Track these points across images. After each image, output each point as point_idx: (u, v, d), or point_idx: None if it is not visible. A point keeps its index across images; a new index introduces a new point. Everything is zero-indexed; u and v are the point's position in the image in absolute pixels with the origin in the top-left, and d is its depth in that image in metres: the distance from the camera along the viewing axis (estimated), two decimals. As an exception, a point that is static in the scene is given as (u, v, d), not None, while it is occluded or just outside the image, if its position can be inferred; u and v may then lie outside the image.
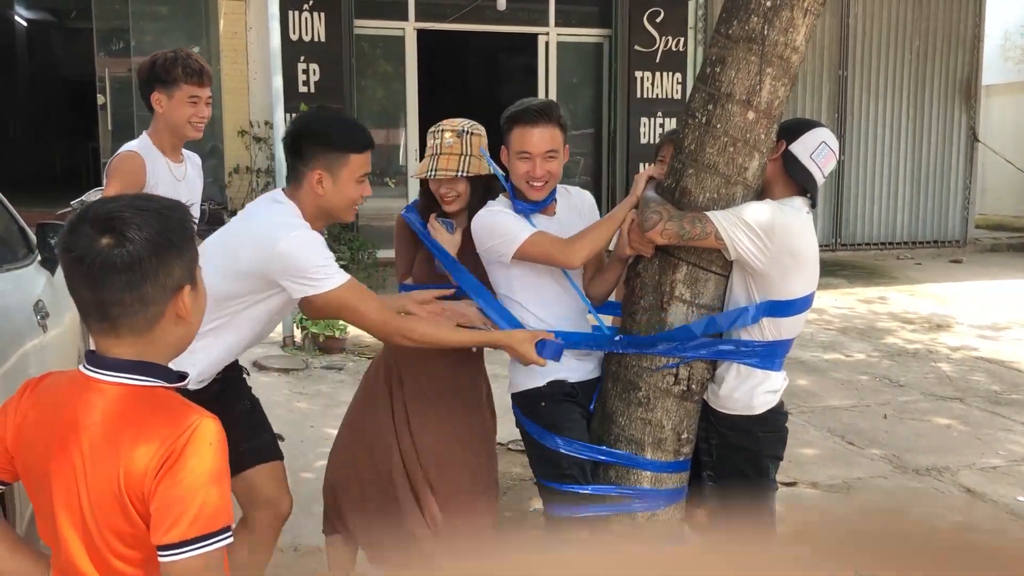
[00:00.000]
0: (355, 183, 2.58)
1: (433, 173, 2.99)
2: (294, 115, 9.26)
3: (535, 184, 2.86)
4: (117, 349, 1.54)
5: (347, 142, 2.55)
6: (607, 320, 3.09)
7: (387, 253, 9.29)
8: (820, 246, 2.86)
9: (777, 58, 2.67)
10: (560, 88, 11.23)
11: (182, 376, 1.59)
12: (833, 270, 10.72)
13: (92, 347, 1.61)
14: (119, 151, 3.38)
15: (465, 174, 2.96)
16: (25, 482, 1.61)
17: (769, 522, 2.89)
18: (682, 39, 11.14)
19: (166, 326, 1.56)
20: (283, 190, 2.62)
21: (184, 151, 3.57)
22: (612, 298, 3.14)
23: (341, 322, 6.85)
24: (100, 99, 10.08)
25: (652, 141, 10.98)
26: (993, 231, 13.96)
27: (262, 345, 6.92)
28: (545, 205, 2.95)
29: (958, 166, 12.76)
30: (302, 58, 9.77)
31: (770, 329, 2.73)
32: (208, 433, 1.49)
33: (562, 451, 2.78)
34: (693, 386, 2.79)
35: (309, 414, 5.52)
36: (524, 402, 2.94)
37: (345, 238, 9.40)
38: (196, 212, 3.62)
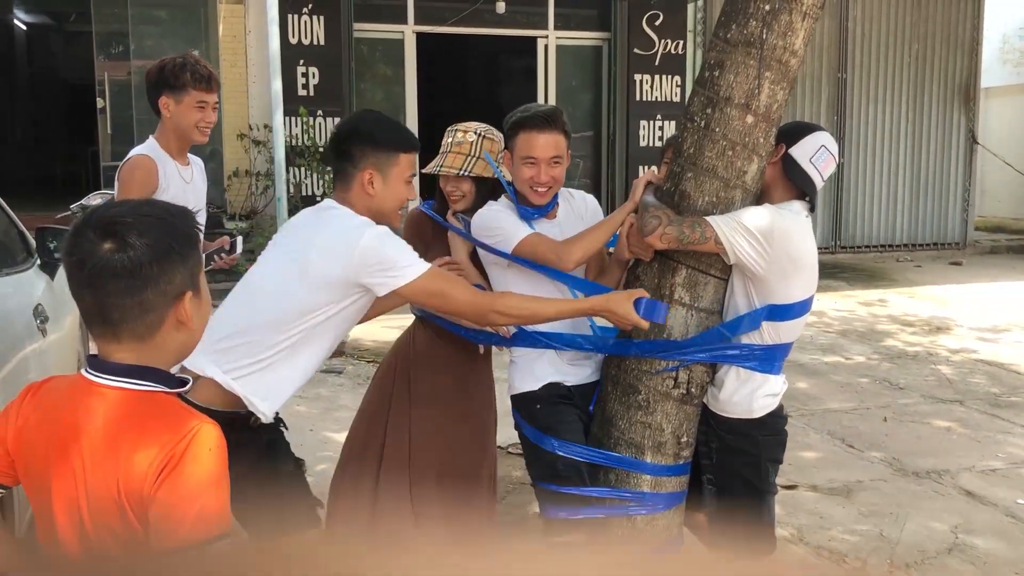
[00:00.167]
0: (404, 183, 2.55)
1: (438, 168, 3.06)
2: (293, 119, 9.30)
3: (539, 189, 2.88)
4: (118, 354, 1.54)
5: (396, 141, 2.53)
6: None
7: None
8: (820, 249, 2.86)
9: (776, 62, 2.67)
10: (559, 91, 11.24)
11: (183, 381, 1.59)
12: (833, 272, 10.72)
13: (94, 351, 1.61)
14: (130, 156, 3.41)
15: (467, 173, 3.00)
16: (25, 485, 1.61)
17: (768, 527, 2.89)
18: (681, 42, 11.16)
19: (167, 332, 1.56)
20: (332, 198, 2.58)
21: (188, 154, 3.60)
22: None
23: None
24: (99, 103, 10.09)
25: (651, 144, 10.99)
26: (992, 233, 13.97)
27: (262, 349, 6.92)
28: (548, 210, 2.97)
29: (957, 169, 12.78)
30: (301, 61, 9.78)
31: (769, 333, 2.73)
32: (208, 439, 1.49)
33: (558, 453, 2.78)
34: (693, 389, 2.79)
35: (308, 417, 5.51)
36: (521, 405, 2.95)
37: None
38: (203, 216, 3.65)
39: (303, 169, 9.58)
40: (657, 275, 2.80)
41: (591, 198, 3.16)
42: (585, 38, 11.37)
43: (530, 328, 2.82)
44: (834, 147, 2.82)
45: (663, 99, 11.16)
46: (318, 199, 9.65)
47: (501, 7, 10.24)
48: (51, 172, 15.67)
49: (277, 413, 2.55)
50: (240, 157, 9.79)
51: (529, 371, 2.92)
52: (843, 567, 3.72)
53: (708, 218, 2.63)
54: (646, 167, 10.09)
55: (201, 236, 3.64)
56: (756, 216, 2.63)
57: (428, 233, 3.17)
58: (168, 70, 3.34)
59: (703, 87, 2.76)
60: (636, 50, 11.00)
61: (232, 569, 1.29)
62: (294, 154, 9.29)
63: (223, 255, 3.65)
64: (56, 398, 1.58)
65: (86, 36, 10.71)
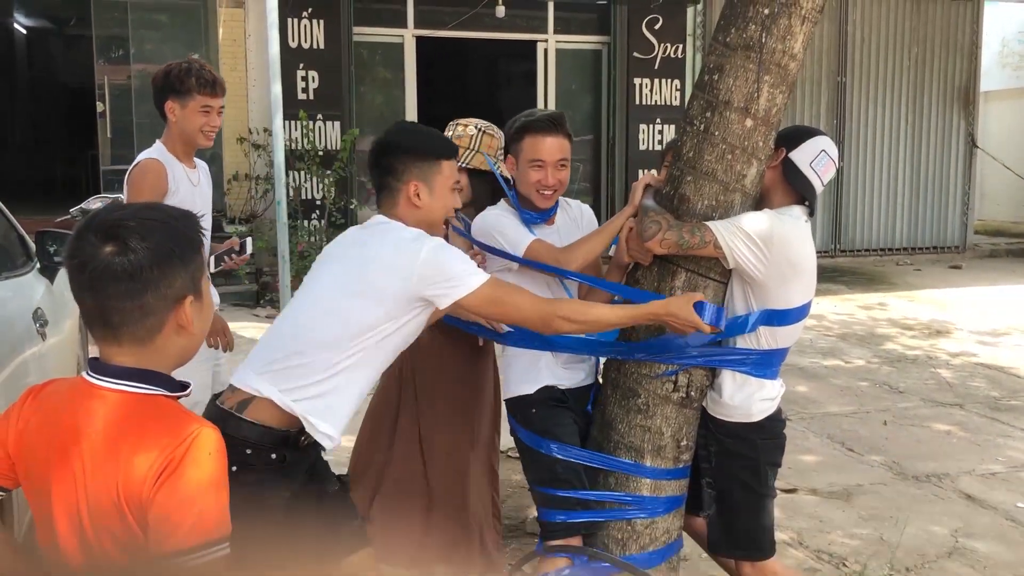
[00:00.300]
0: (450, 191, 2.52)
1: None
2: (292, 123, 9.30)
3: (545, 192, 2.92)
4: (119, 357, 1.54)
5: (437, 149, 2.50)
6: None
7: (386, 260, 9.32)
8: (819, 252, 2.87)
9: (775, 66, 2.67)
10: (559, 95, 11.25)
11: (184, 385, 1.60)
12: (832, 276, 10.73)
13: (94, 355, 1.61)
14: (139, 159, 3.43)
15: (465, 165, 3.05)
16: (26, 488, 1.61)
17: (767, 530, 2.89)
18: (681, 46, 11.16)
19: (168, 335, 1.56)
20: (380, 213, 2.52)
21: (195, 158, 3.63)
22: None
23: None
24: (99, 107, 10.09)
25: (651, 148, 11.00)
26: (992, 237, 13.98)
27: (261, 352, 6.92)
28: (550, 215, 2.99)
29: (957, 172, 12.79)
30: (301, 65, 9.78)
31: (766, 338, 2.73)
32: (208, 443, 1.49)
33: (556, 457, 2.78)
34: (692, 393, 2.79)
35: (308, 421, 5.51)
36: (516, 409, 2.95)
37: (344, 245, 9.42)
38: (209, 219, 3.66)
39: (303, 173, 9.58)
40: (656, 279, 2.80)
41: (587, 208, 3.20)
42: (585, 42, 11.39)
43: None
44: (834, 152, 2.82)
45: (663, 103, 11.17)
46: (318, 203, 9.68)
47: (501, 11, 10.25)
48: (51, 176, 15.67)
49: None
50: (240, 161, 9.80)
51: (524, 374, 2.93)
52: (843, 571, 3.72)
53: (707, 223, 2.63)
54: (646, 171, 10.09)
55: (208, 239, 3.67)
56: (755, 221, 2.64)
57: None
58: (174, 75, 3.37)
59: (702, 91, 2.76)
60: (636, 54, 11.01)
61: None
62: (294, 158, 9.29)
63: (233, 256, 3.66)
64: (57, 401, 1.58)
65: (86, 40, 10.71)
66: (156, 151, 3.43)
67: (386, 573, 3.13)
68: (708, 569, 3.38)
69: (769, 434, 2.82)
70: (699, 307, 2.51)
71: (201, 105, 3.38)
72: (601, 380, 3.05)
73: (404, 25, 10.60)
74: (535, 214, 2.97)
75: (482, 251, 2.95)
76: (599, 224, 3.11)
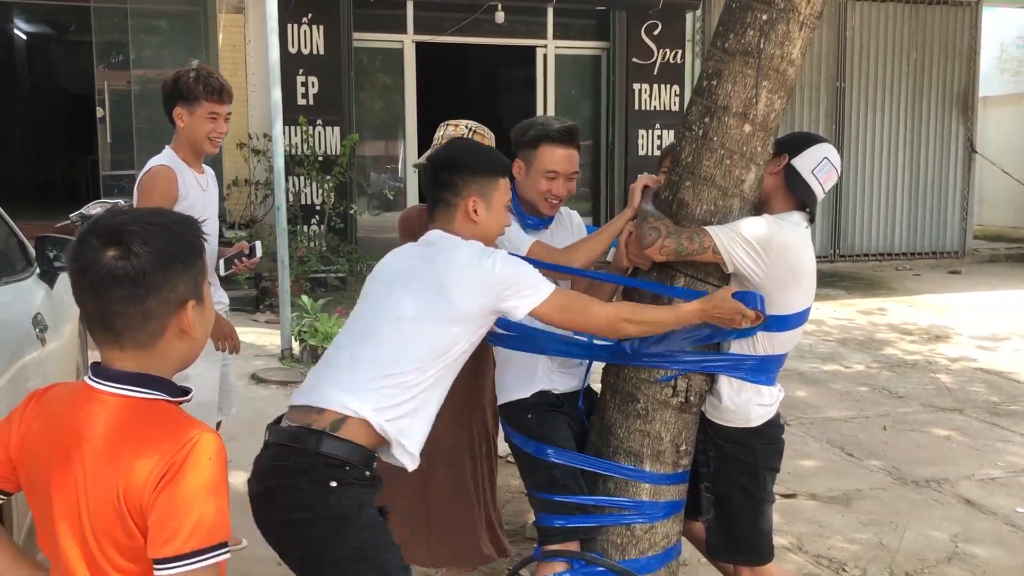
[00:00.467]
0: (504, 208, 2.54)
1: (430, 157, 3.08)
2: (292, 128, 9.31)
3: (554, 202, 2.98)
4: (121, 361, 1.55)
5: (496, 167, 2.52)
6: None
7: (386, 265, 9.33)
8: (818, 257, 2.87)
9: (773, 71, 2.68)
10: (558, 100, 11.27)
11: (185, 391, 1.60)
12: (832, 281, 10.73)
13: (95, 360, 1.61)
14: (149, 166, 3.47)
15: None
16: (27, 492, 1.61)
17: (766, 535, 2.89)
18: (680, 52, 11.19)
19: (170, 340, 1.56)
20: (435, 228, 2.50)
21: (203, 164, 3.68)
22: None
23: (340, 334, 6.85)
24: (99, 112, 10.11)
25: (650, 153, 11.01)
26: (991, 242, 13.99)
27: (260, 358, 6.92)
28: (550, 221, 3.02)
29: (956, 177, 12.80)
30: (301, 71, 9.80)
31: (764, 344, 2.73)
32: (208, 448, 1.49)
33: (554, 461, 2.78)
34: (691, 398, 2.79)
35: (308, 426, 5.51)
36: (510, 414, 2.95)
37: (344, 250, 9.42)
38: (215, 224, 3.69)
39: (302, 178, 9.59)
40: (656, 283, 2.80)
41: (575, 213, 3.24)
42: (584, 48, 11.41)
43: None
44: (837, 160, 2.83)
45: (662, 108, 11.19)
46: (317, 208, 9.69)
47: (500, 17, 10.27)
48: (51, 181, 15.69)
49: None
50: (239, 166, 9.81)
51: (519, 379, 2.93)
52: (842, 576, 3.72)
53: (707, 228, 2.63)
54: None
55: (212, 243, 3.66)
56: (755, 226, 2.64)
57: (418, 232, 3.21)
58: (182, 82, 3.44)
59: (701, 96, 2.77)
60: (635, 59, 11.03)
61: None
62: (293, 163, 9.30)
63: (243, 259, 3.70)
64: (59, 405, 1.59)
65: (86, 46, 10.74)
66: (166, 157, 3.48)
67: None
68: (707, 574, 3.38)
69: (768, 439, 2.82)
70: (739, 296, 2.55)
71: (208, 112, 3.44)
72: (590, 384, 3.07)
73: (404, 31, 10.62)
74: (537, 220, 2.98)
75: None
76: (598, 222, 3.13)
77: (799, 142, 2.84)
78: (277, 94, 7.01)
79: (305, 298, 7.22)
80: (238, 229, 9.44)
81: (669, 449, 2.81)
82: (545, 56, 11.16)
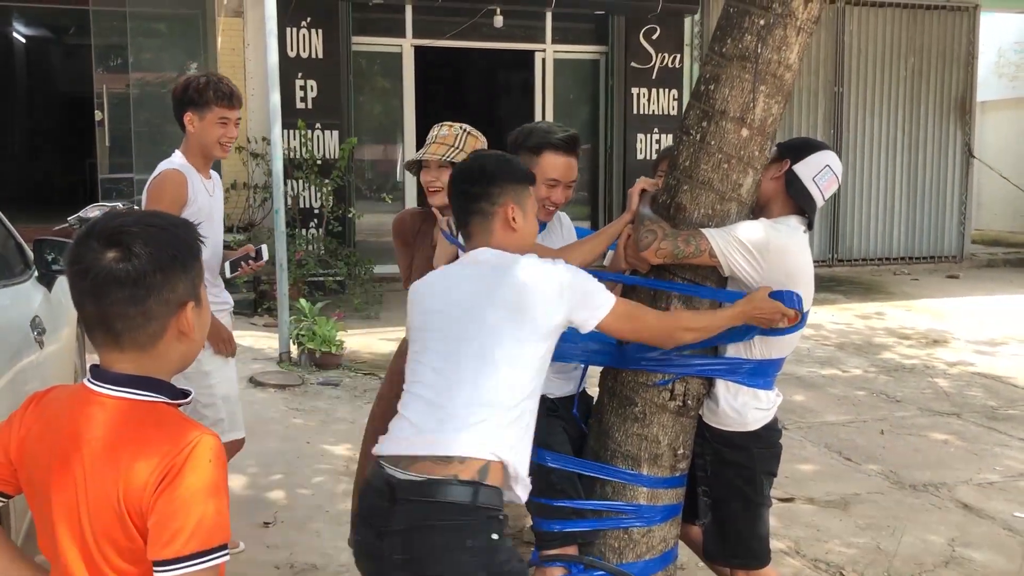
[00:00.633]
0: (534, 214, 2.51)
1: (423, 155, 3.11)
2: (291, 132, 9.31)
3: (551, 208, 3.00)
4: (120, 364, 1.55)
5: (526, 174, 2.50)
6: None
7: (383, 269, 9.33)
8: (817, 261, 2.88)
9: (771, 76, 2.69)
10: (557, 104, 11.28)
11: (185, 393, 1.60)
12: (830, 286, 10.74)
13: (93, 363, 1.62)
14: (159, 170, 3.51)
15: (450, 160, 3.07)
16: (27, 494, 1.62)
17: (763, 539, 2.89)
18: (678, 56, 11.20)
19: (169, 342, 1.57)
20: (471, 245, 2.43)
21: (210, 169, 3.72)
22: None
23: (338, 338, 6.86)
24: (98, 115, 10.11)
25: (648, 157, 11.02)
26: (989, 246, 14.01)
27: (258, 361, 6.92)
28: (544, 227, 3.01)
29: (954, 182, 12.82)
30: (300, 74, 9.81)
31: (760, 348, 2.74)
32: (208, 450, 1.49)
33: (550, 465, 2.78)
34: (689, 401, 2.80)
35: (305, 430, 5.51)
36: None
37: (342, 254, 9.42)
38: (220, 228, 3.72)
39: (301, 182, 9.60)
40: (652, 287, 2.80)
41: (564, 215, 3.23)
42: (582, 52, 11.42)
43: None
44: (839, 167, 2.83)
45: (660, 112, 11.20)
46: (316, 212, 9.69)
47: (499, 21, 10.29)
48: (49, 184, 15.68)
49: None
50: (238, 170, 9.81)
51: None
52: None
53: (703, 231, 2.64)
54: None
55: (217, 247, 3.66)
56: (751, 230, 2.65)
57: (410, 235, 3.22)
58: (193, 87, 3.48)
59: (699, 100, 2.77)
60: (633, 64, 11.05)
61: None
62: (292, 167, 9.30)
63: (249, 262, 3.73)
64: (58, 408, 1.59)
65: (85, 49, 10.75)
66: (176, 161, 3.52)
67: None
68: (705, 578, 3.38)
69: (765, 443, 2.82)
70: (776, 296, 2.60)
71: (219, 117, 3.48)
72: (585, 389, 3.07)
73: (402, 35, 10.63)
74: None
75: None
76: (596, 226, 3.14)
77: (802, 148, 2.85)
78: (276, 98, 7.02)
79: (303, 301, 7.22)
80: (236, 232, 9.44)
81: (667, 453, 2.81)
82: (544, 60, 11.17)
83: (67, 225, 6.18)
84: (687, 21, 11.30)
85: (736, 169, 2.71)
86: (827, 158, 2.82)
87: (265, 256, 3.78)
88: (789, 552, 3.97)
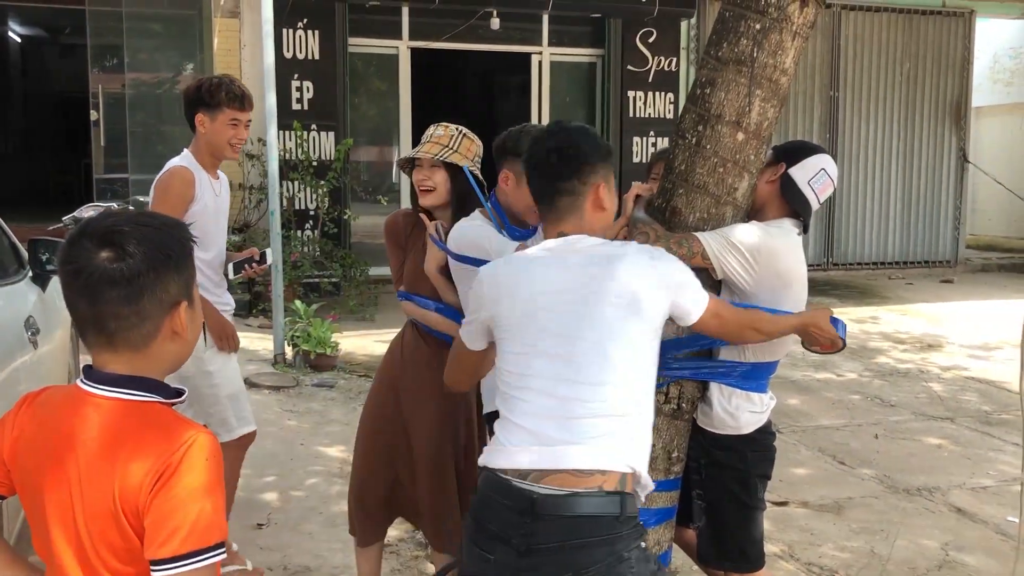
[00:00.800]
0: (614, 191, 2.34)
1: (417, 153, 3.07)
2: (287, 133, 9.30)
3: None
4: (113, 364, 1.55)
5: (610, 150, 2.36)
6: None
7: (379, 271, 9.32)
8: (812, 265, 2.89)
9: (766, 80, 2.69)
10: (553, 107, 11.29)
11: (179, 392, 1.60)
12: (825, 290, 10.76)
13: (87, 363, 1.61)
14: (169, 166, 3.54)
15: (442, 159, 3.02)
16: (21, 495, 1.61)
17: (757, 543, 2.89)
18: (674, 59, 11.22)
19: (162, 342, 1.56)
20: (558, 230, 2.24)
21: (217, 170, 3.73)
22: None
23: (333, 340, 6.85)
24: (93, 115, 10.09)
25: (644, 160, 11.03)
26: (983, 251, 14.04)
27: (253, 362, 6.91)
28: (536, 231, 2.98)
29: (949, 187, 12.85)
30: (296, 75, 9.80)
31: (754, 351, 2.74)
32: (203, 448, 1.49)
33: None
34: (683, 404, 2.80)
35: (299, 432, 5.50)
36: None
37: (337, 255, 9.42)
38: (225, 228, 3.73)
39: (296, 183, 9.59)
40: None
41: None
42: (579, 55, 11.43)
43: None
44: (834, 171, 2.84)
45: (656, 116, 11.22)
46: (311, 213, 9.68)
47: (495, 23, 10.29)
48: (44, 184, 15.65)
49: None
50: (233, 170, 9.78)
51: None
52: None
53: (696, 234, 2.64)
54: (639, 183, 10.13)
55: (222, 248, 3.66)
56: (745, 232, 2.65)
57: (402, 237, 3.21)
58: (204, 88, 3.52)
59: (694, 104, 2.78)
60: (629, 67, 11.06)
61: None
62: (287, 168, 9.29)
63: (253, 264, 3.75)
64: (51, 408, 1.59)
65: (80, 49, 10.72)
66: (184, 159, 3.55)
67: None
68: (699, 581, 3.38)
69: (759, 446, 2.83)
70: (832, 321, 2.63)
71: (230, 118, 3.51)
72: None
73: (399, 37, 10.63)
74: (523, 232, 2.95)
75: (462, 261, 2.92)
76: None
77: (798, 151, 2.85)
78: (272, 99, 7.01)
79: (298, 303, 7.22)
80: (232, 234, 9.42)
81: (661, 456, 2.81)
82: (540, 63, 11.18)
83: (62, 225, 6.18)
84: (683, 25, 11.31)
85: (732, 173, 2.72)
86: (823, 161, 2.82)
87: (269, 260, 3.83)
88: (783, 556, 3.97)
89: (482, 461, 2.14)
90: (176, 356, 1.61)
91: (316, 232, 9.60)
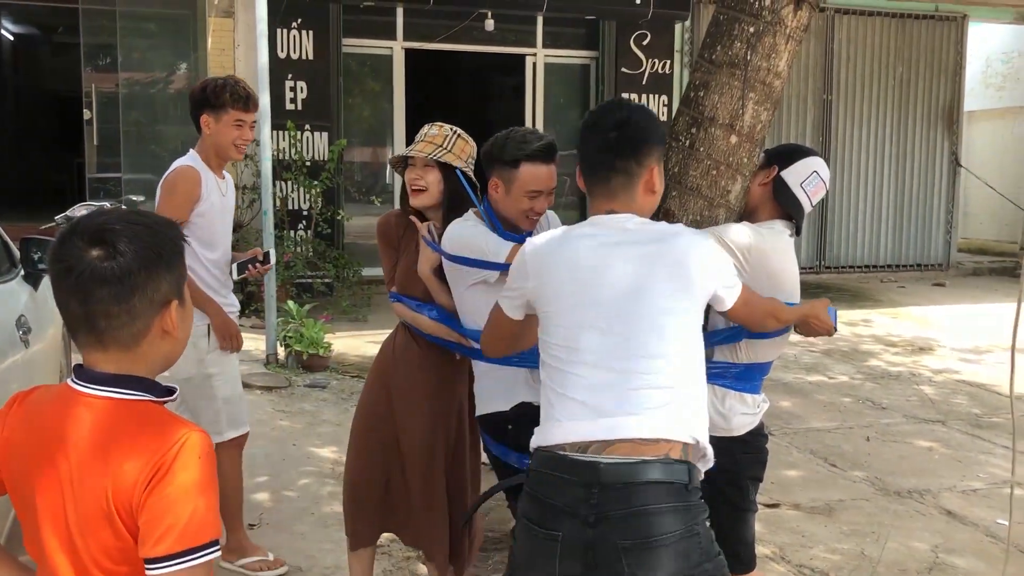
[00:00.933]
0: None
1: (411, 151, 3.05)
2: (280, 133, 9.30)
3: (534, 218, 2.93)
4: (104, 363, 1.54)
5: (664, 132, 2.38)
6: None
7: (372, 271, 9.32)
8: (804, 268, 2.91)
9: (760, 83, 2.70)
10: (547, 109, 11.30)
11: (170, 390, 1.60)
12: (817, 292, 10.73)
13: (77, 363, 1.61)
14: (175, 166, 3.56)
15: (435, 159, 3.00)
16: (12, 495, 1.61)
17: (748, 544, 2.90)
18: (668, 62, 11.23)
19: (153, 341, 1.56)
20: (607, 207, 2.24)
21: (223, 171, 3.76)
22: None
23: (325, 340, 6.85)
24: (86, 114, 10.06)
25: (638, 162, 11.04)
26: (975, 255, 14.10)
27: (245, 362, 6.90)
28: (530, 235, 2.97)
29: (941, 191, 12.90)
30: (290, 75, 9.79)
31: (747, 352, 2.75)
32: (196, 446, 1.49)
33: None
34: (676, 406, 2.80)
35: (292, 432, 5.50)
36: (490, 426, 2.93)
37: (330, 256, 9.41)
38: (230, 228, 3.74)
39: (290, 183, 9.58)
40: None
41: (551, 212, 3.14)
42: (573, 56, 11.44)
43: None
44: (826, 173, 2.85)
45: (650, 118, 11.22)
46: (304, 213, 9.67)
47: (490, 25, 10.30)
48: (36, 183, 15.60)
49: None
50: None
51: (499, 391, 2.88)
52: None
53: (688, 234, 2.65)
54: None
55: (227, 248, 3.65)
56: (737, 233, 2.66)
57: (395, 238, 3.19)
58: (209, 90, 3.54)
59: (688, 107, 2.79)
60: (624, 69, 11.07)
61: None
62: (281, 168, 9.28)
63: (257, 264, 3.76)
64: (42, 408, 1.58)
65: (74, 47, 10.69)
66: (191, 159, 3.58)
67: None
68: (690, 583, 3.39)
69: (751, 448, 2.83)
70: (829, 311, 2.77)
71: (234, 119, 3.54)
72: None
73: (393, 37, 10.63)
74: (517, 236, 2.93)
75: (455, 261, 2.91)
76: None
77: (790, 154, 2.86)
78: (265, 99, 7.00)
79: (291, 303, 7.21)
80: (225, 233, 9.41)
81: (653, 458, 2.81)
82: (534, 64, 11.19)
83: (54, 224, 6.16)
84: (677, 28, 11.33)
85: (725, 175, 2.73)
86: (815, 164, 2.83)
87: (273, 260, 3.82)
88: (774, 558, 3.98)
89: (535, 442, 2.13)
90: (167, 355, 1.61)
91: (309, 232, 9.58)
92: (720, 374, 2.74)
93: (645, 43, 11.07)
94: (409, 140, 3.51)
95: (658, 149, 2.27)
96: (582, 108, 11.57)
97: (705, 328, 2.60)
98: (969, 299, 10.97)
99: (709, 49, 2.76)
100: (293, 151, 9.50)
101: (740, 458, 2.80)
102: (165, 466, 1.45)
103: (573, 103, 11.66)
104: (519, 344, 2.51)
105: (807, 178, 2.79)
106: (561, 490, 2.01)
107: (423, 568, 3.61)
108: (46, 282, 3.96)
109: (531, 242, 2.28)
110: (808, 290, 3.04)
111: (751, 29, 2.68)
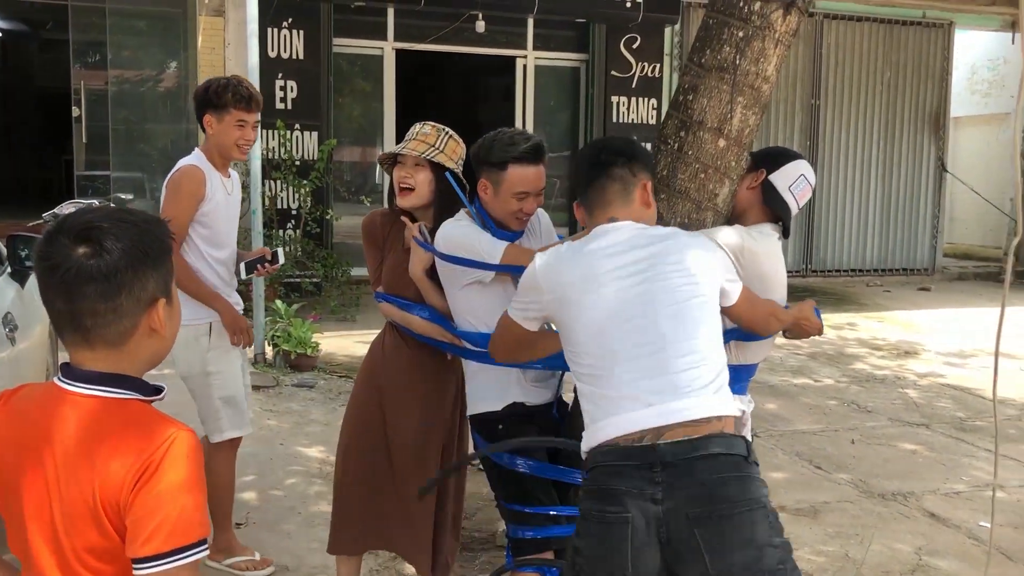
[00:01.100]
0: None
1: (402, 149, 3.03)
2: (270, 132, 9.28)
3: (524, 219, 2.92)
4: (91, 362, 1.54)
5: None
6: None
7: (360, 271, 9.30)
8: (791, 272, 2.95)
9: (748, 87, 2.73)
10: (537, 111, 11.31)
11: (158, 389, 1.59)
12: (803, 296, 10.75)
13: (64, 361, 1.60)
14: (179, 165, 3.56)
15: (427, 158, 2.99)
16: None
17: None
18: (658, 66, 11.27)
19: (140, 339, 1.55)
20: (608, 216, 2.36)
21: (229, 170, 3.74)
22: None
23: (313, 340, 6.84)
24: (75, 111, 10.02)
25: (627, 165, 11.06)
26: (960, 260, 14.19)
27: (233, 361, 6.88)
28: (521, 234, 2.98)
29: (927, 196, 12.98)
30: (280, 75, 9.78)
31: (735, 353, 2.77)
32: (184, 445, 1.48)
33: (524, 472, 2.77)
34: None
35: (279, 432, 5.49)
36: (482, 426, 2.93)
37: (319, 255, 9.40)
38: (235, 226, 3.74)
39: (279, 183, 9.56)
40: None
41: (543, 212, 3.14)
42: (563, 59, 11.47)
43: None
44: (812, 176, 2.88)
45: (639, 121, 11.27)
46: (293, 213, 9.66)
47: (481, 26, 10.31)
48: (24, 180, 15.52)
49: None
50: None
51: (491, 390, 2.89)
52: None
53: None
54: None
55: (232, 247, 3.66)
56: (725, 236, 2.68)
57: (380, 238, 3.18)
58: (212, 90, 3.54)
59: (677, 110, 2.81)
60: (613, 72, 11.10)
61: None
62: (270, 167, 9.27)
63: (265, 264, 3.77)
64: (28, 406, 1.57)
65: (63, 44, 10.63)
66: (196, 158, 3.58)
67: None
68: (675, 583, 3.40)
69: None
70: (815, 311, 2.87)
71: (237, 119, 3.53)
72: (562, 396, 3.07)
73: (384, 38, 10.62)
74: (511, 235, 2.94)
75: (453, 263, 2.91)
76: (554, 227, 3.12)
77: (777, 157, 2.88)
78: (256, 98, 6.98)
79: (279, 303, 7.20)
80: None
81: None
82: (525, 66, 11.20)
83: (42, 221, 6.13)
84: (667, 31, 11.37)
85: (713, 179, 2.75)
86: (802, 167, 2.86)
87: (281, 260, 3.82)
88: (759, 559, 4.00)
89: (586, 446, 2.19)
90: (154, 353, 1.60)
91: (298, 232, 9.57)
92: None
93: (635, 46, 11.11)
94: (399, 141, 3.50)
95: (648, 169, 2.42)
96: (572, 111, 11.60)
97: None
98: (954, 304, 11.04)
99: (698, 53, 2.78)
100: (283, 150, 9.49)
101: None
102: (153, 465, 1.45)
103: (563, 105, 11.68)
104: (533, 352, 2.60)
105: (795, 181, 2.82)
106: (624, 476, 2.04)
107: (409, 568, 3.62)
108: (33, 280, 3.95)
109: (540, 257, 2.36)
110: (794, 293, 3.06)
111: (740, 33, 2.70)
